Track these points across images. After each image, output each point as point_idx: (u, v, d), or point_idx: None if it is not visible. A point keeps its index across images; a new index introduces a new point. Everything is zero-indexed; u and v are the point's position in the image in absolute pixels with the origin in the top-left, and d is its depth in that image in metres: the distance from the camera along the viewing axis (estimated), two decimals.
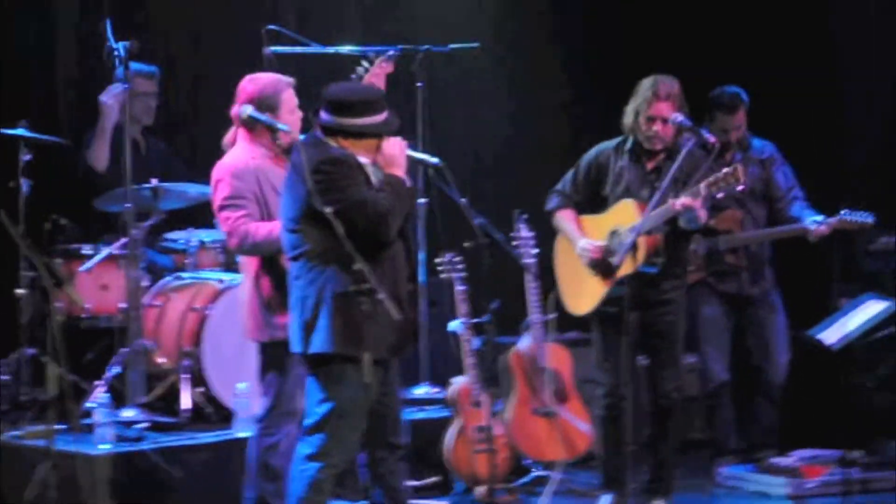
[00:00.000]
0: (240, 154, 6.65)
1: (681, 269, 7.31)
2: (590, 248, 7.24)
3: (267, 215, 6.55)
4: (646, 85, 7.23)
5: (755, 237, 8.30)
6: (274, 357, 6.56)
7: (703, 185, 6.96)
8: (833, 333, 7.36)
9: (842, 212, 8.03)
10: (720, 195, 7.03)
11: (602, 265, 7.23)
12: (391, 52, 6.92)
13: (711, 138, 7.15)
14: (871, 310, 7.35)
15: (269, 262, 6.54)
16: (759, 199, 8.33)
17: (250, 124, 6.66)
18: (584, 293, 7.34)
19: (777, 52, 9.40)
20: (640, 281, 7.06)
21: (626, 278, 7.11)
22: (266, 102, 6.67)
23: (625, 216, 7.16)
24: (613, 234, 7.21)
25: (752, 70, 8.92)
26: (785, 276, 8.53)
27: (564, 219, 7.40)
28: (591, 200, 7.38)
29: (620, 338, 7.13)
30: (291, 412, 6.56)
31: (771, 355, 8.36)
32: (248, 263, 6.65)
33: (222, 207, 6.57)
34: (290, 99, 6.75)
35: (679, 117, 7.15)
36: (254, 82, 6.78)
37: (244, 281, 6.71)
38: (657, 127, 7.18)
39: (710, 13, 9.61)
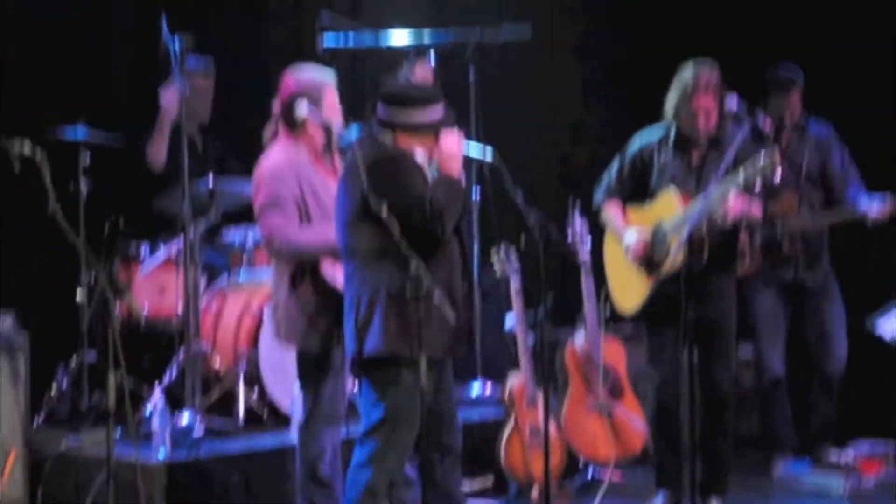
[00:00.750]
0: (280, 154, 6.59)
1: (730, 260, 7.23)
2: (634, 243, 7.20)
3: (307, 218, 6.51)
4: (686, 75, 7.12)
5: (812, 222, 8.18)
6: (312, 363, 6.56)
7: (739, 175, 6.85)
8: (891, 326, 7.31)
9: None
10: (758, 185, 6.93)
11: (647, 261, 7.19)
12: (430, 63, 6.81)
13: (766, 126, 7.07)
14: None
15: (307, 268, 6.51)
16: (816, 183, 8.23)
17: (300, 124, 6.60)
18: (631, 289, 7.31)
19: (835, 28, 9.27)
20: (689, 274, 6.95)
21: (671, 273, 7.06)
22: (309, 97, 6.61)
23: (668, 208, 7.11)
24: (657, 227, 7.15)
25: (809, 47, 8.79)
26: (843, 263, 8.43)
27: (611, 213, 7.36)
28: (638, 192, 7.32)
29: (670, 333, 7.11)
30: (333, 417, 6.57)
31: (829, 347, 8.26)
32: (283, 267, 6.58)
33: (262, 210, 6.52)
34: (332, 94, 6.69)
35: (733, 105, 7.05)
36: (296, 77, 6.71)
37: (277, 284, 6.61)
38: (700, 121, 7.09)
39: None
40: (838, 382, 8.31)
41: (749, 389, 8.67)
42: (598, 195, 7.42)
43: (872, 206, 7.88)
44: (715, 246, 7.05)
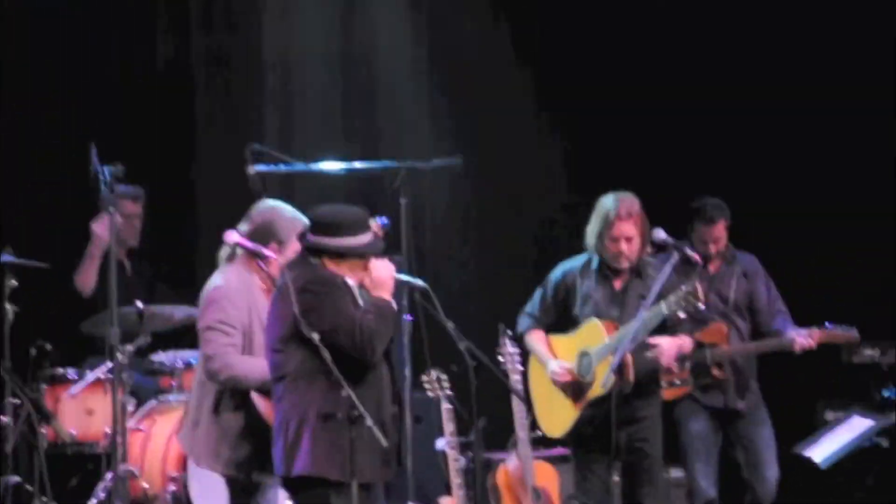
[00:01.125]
0: (235, 279, 6.56)
1: (654, 386, 7.30)
2: (560, 370, 7.25)
3: (249, 349, 6.48)
4: (606, 205, 7.24)
5: (741, 351, 8.27)
6: (239, 487, 6.51)
7: (663, 304, 6.97)
8: (821, 451, 7.37)
9: (826, 324, 8.04)
10: (682, 315, 7.02)
11: (574, 387, 7.24)
12: (383, 222, 6.80)
13: (695, 255, 7.17)
14: (857, 427, 7.35)
15: (235, 393, 6.45)
16: (744, 312, 8.33)
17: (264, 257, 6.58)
18: (557, 414, 7.35)
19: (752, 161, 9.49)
20: (614, 400, 7.05)
21: (597, 399, 7.12)
22: (274, 236, 6.57)
23: (593, 337, 7.18)
24: (583, 355, 7.22)
25: (733, 182, 8.98)
26: (770, 390, 8.49)
27: (535, 341, 7.41)
28: (560, 320, 7.39)
29: (597, 458, 7.16)
30: None
31: (759, 471, 8.30)
32: (209, 387, 6.50)
33: (210, 328, 6.48)
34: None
35: (661, 234, 7.16)
36: (278, 215, 6.65)
37: (199, 402, 6.53)
38: (623, 246, 7.19)
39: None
40: None
41: None
42: (522, 323, 7.48)
43: (800, 336, 8.00)
44: (640, 373, 7.11)
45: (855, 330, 8.05)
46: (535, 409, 7.55)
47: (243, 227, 6.64)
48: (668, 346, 7.07)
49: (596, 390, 7.13)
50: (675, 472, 8.56)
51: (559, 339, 7.36)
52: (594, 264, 7.31)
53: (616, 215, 7.17)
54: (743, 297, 8.30)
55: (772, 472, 8.27)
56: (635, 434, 7.16)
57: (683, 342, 7.17)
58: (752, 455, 8.29)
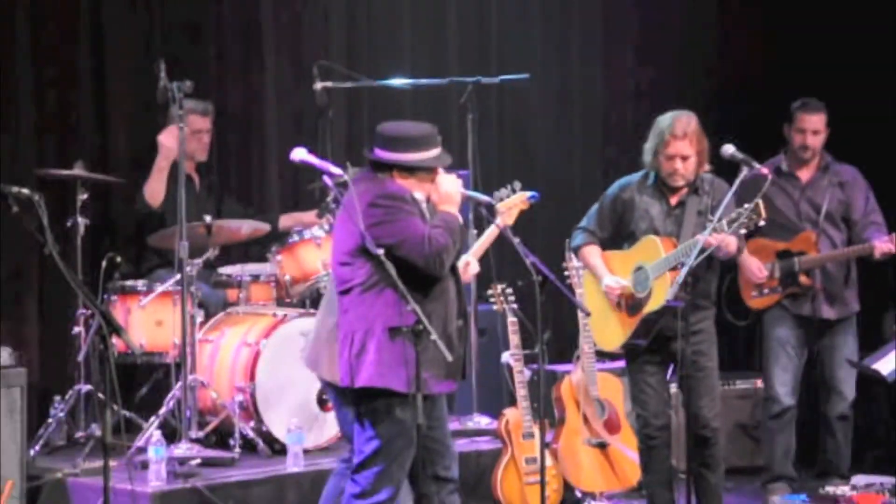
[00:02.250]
0: None
1: (708, 301, 7.29)
2: (614, 285, 7.27)
3: None
4: (663, 123, 7.23)
5: (825, 258, 8.24)
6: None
7: (725, 222, 6.97)
8: (889, 364, 7.32)
9: None
10: (742, 231, 7.02)
11: (628, 301, 7.25)
12: (534, 196, 6.76)
13: (764, 170, 7.13)
14: None
15: None
16: (837, 222, 8.30)
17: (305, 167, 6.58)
18: (611, 329, 7.37)
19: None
20: (668, 315, 7.08)
21: (653, 313, 7.13)
22: None
23: (650, 252, 7.18)
24: (639, 269, 7.22)
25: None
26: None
27: (590, 255, 7.41)
28: (617, 236, 7.39)
29: (652, 370, 7.20)
30: None
31: (836, 387, 8.29)
32: (331, 305, 6.43)
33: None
34: None
35: (730, 149, 7.13)
36: None
37: (321, 316, 6.51)
38: (678, 165, 7.19)
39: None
40: (843, 423, 8.30)
41: (745, 422, 8.68)
42: (577, 238, 7.49)
43: (879, 243, 7.96)
44: (697, 286, 7.11)
45: None
46: (589, 322, 7.56)
47: None
48: (730, 242, 7.04)
49: (651, 304, 7.14)
50: (743, 384, 8.57)
51: (615, 255, 7.37)
52: (651, 180, 7.31)
53: (671, 134, 7.17)
54: (837, 207, 8.27)
55: (847, 390, 8.25)
56: (691, 347, 7.14)
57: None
58: (828, 369, 8.31)
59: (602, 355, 8.08)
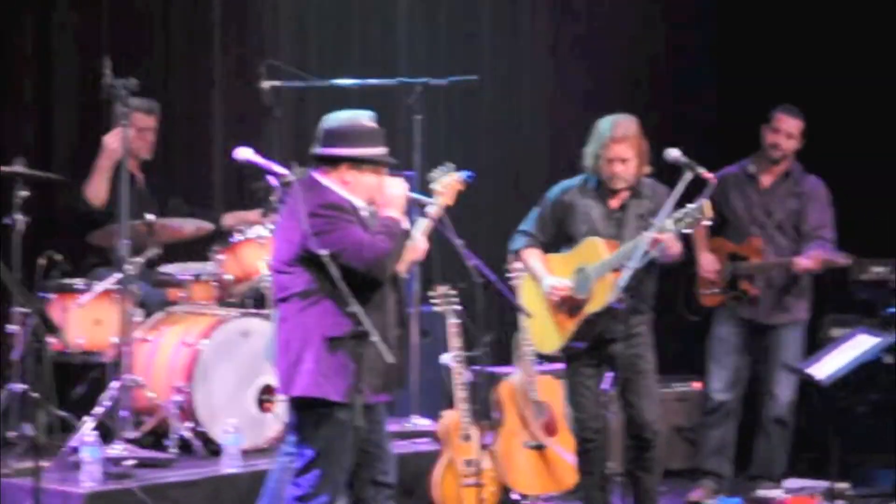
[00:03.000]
0: None
1: (646, 305, 7.31)
2: (557, 285, 7.25)
3: None
4: (602, 126, 7.27)
5: (755, 266, 8.30)
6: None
7: (669, 220, 6.96)
8: (824, 368, 7.36)
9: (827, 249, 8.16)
10: (687, 230, 7.02)
11: (569, 303, 7.23)
12: (468, 175, 6.74)
13: (708, 174, 7.14)
14: (861, 344, 7.34)
15: None
16: (787, 231, 8.33)
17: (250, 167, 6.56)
18: (550, 332, 7.37)
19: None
20: (608, 317, 7.07)
21: (593, 315, 7.12)
22: None
23: (591, 254, 7.18)
24: (580, 271, 7.22)
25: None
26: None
27: (530, 258, 7.42)
28: (557, 239, 7.39)
29: (589, 373, 7.21)
30: None
31: (774, 390, 8.34)
32: None
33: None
34: None
35: (674, 152, 7.13)
36: None
37: None
38: (617, 167, 7.20)
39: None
40: (777, 426, 8.33)
41: (681, 424, 8.73)
42: (517, 241, 7.49)
43: (801, 259, 8.01)
44: (638, 289, 7.13)
45: (849, 257, 8.15)
46: (528, 325, 7.57)
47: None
48: (675, 244, 7.09)
49: (592, 306, 7.13)
50: (680, 386, 8.61)
51: (555, 258, 7.37)
52: (591, 183, 7.32)
53: (610, 137, 7.20)
54: (789, 216, 8.32)
55: (783, 390, 8.29)
56: (629, 349, 7.18)
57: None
58: (768, 371, 8.38)
59: (541, 358, 8.06)
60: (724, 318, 8.39)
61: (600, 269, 7.13)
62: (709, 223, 7.16)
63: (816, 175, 8.42)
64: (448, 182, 6.56)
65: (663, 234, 6.95)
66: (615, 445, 7.07)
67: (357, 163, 6.11)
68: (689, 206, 6.98)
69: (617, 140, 7.18)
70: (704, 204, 6.96)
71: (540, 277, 7.34)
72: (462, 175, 6.59)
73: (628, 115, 7.30)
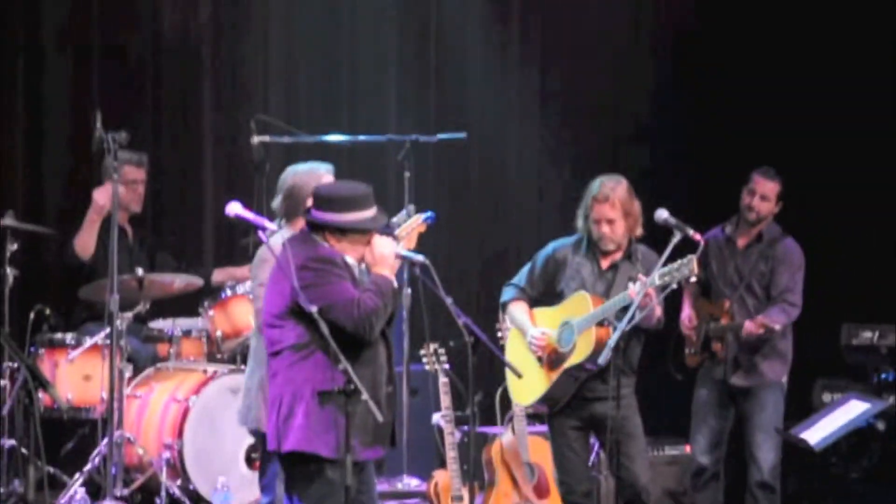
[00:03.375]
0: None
1: (629, 368, 7.27)
2: (539, 336, 7.25)
3: None
4: (591, 187, 7.25)
5: (723, 328, 8.30)
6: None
7: (656, 275, 6.98)
8: (816, 433, 7.36)
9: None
10: (674, 285, 7.03)
11: (549, 356, 7.24)
12: (429, 217, 6.75)
13: (696, 235, 7.16)
14: (853, 410, 7.35)
15: None
16: (757, 293, 8.32)
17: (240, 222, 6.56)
18: (529, 383, 7.30)
19: None
20: (593, 377, 7.06)
21: (573, 369, 7.13)
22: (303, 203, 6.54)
23: (578, 308, 7.17)
24: (565, 324, 7.21)
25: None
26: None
27: (517, 310, 7.40)
28: (545, 295, 7.39)
29: (574, 435, 7.19)
30: None
31: (756, 453, 8.31)
32: (257, 350, 6.54)
33: (263, 285, 6.36)
34: None
35: (663, 213, 7.14)
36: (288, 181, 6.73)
37: (250, 366, 6.60)
38: (604, 228, 7.21)
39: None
40: (763, 492, 8.33)
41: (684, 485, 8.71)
42: (506, 293, 7.47)
43: (748, 323, 8.05)
44: (626, 353, 7.13)
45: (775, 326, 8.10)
46: (508, 377, 7.50)
47: (276, 199, 6.61)
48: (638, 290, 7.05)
49: (573, 359, 7.12)
50: (671, 449, 8.60)
51: (543, 312, 7.35)
52: (584, 243, 7.33)
53: (594, 198, 7.19)
54: (759, 279, 8.30)
55: (765, 454, 8.27)
56: (620, 411, 7.10)
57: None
58: (748, 435, 8.34)
59: (532, 418, 8.06)
60: (703, 379, 8.40)
61: (585, 322, 7.11)
62: (695, 279, 7.14)
63: (795, 239, 8.44)
64: (410, 225, 6.56)
65: (649, 288, 6.95)
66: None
67: (341, 230, 6.10)
68: (678, 261, 6.99)
69: (600, 200, 7.17)
70: (692, 260, 6.97)
71: (524, 329, 7.34)
72: (422, 217, 6.59)
73: (617, 175, 7.30)
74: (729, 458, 8.49)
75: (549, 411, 7.23)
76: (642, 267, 7.17)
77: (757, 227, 8.36)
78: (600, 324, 7.06)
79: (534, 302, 7.41)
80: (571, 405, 7.19)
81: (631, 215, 7.20)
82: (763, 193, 8.29)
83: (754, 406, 8.30)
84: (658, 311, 7.08)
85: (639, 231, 7.26)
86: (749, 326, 8.14)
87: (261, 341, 6.50)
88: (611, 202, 7.16)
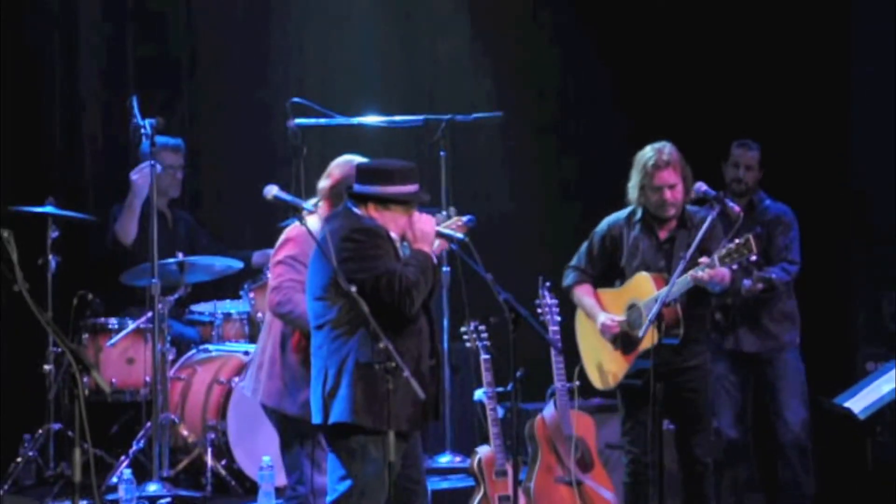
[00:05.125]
0: (317, 224, 6.48)
1: (703, 335, 7.30)
2: (610, 323, 7.26)
3: None
4: (644, 156, 7.24)
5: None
6: (299, 431, 6.51)
7: (715, 257, 6.96)
8: (860, 402, 7.33)
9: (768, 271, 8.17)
10: (735, 266, 7.02)
11: (623, 340, 7.25)
12: (470, 219, 6.74)
13: (736, 208, 7.15)
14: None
15: (302, 333, 6.48)
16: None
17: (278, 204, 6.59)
18: (607, 368, 7.36)
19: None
20: (663, 352, 7.04)
21: (648, 351, 7.11)
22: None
23: (641, 289, 7.17)
24: (632, 307, 7.22)
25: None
26: (810, 339, 8.53)
27: (583, 294, 7.40)
28: (608, 273, 7.39)
29: (645, 408, 7.13)
30: (319, 490, 6.48)
31: (781, 416, 8.34)
32: (272, 325, 6.59)
33: (281, 263, 6.50)
34: None
35: (703, 187, 7.15)
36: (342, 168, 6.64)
37: (262, 341, 6.63)
38: (667, 194, 7.19)
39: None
40: (795, 449, 8.33)
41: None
42: (568, 277, 7.47)
43: (745, 281, 8.01)
44: (687, 322, 7.12)
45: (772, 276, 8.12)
46: (583, 362, 7.53)
47: (323, 181, 6.62)
48: (725, 272, 7.03)
49: (645, 343, 7.10)
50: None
51: (607, 293, 7.36)
52: (638, 215, 7.30)
53: (654, 164, 7.17)
54: (757, 243, 8.28)
55: (794, 414, 8.28)
56: (685, 384, 7.18)
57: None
58: (773, 401, 8.36)
59: (574, 393, 8.06)
60: (715, 354, 8.35)
61: (650, 304, 7.10)
62: (755, 258, 7.12)
63: (823, 208, 8.45)
64: (449, 225, 6.56)
65: (712, 269, 6.95)
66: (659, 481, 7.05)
67: (383, 202, 6.12)
68: (736, 240, 6.98)
69: (661, 167, 7.15)
70: (749, 238, 6.96)
71: (594, 315, 7.32)
72: (463, 219, 6.58)
73: (662, 141, 7.29)
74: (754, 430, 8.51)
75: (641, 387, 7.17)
76: (696, 232, 7.12)
77: (745, 198, 8.38)
78: (667, 305, 7.02)
79: (596, 281, 7.41)
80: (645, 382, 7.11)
81: (687, 177, 7.20)
82: (747, 164, 8.40)
83: (774, 373, 8.34)
84: (727, 278, 7.03)
85: (690, 196, 7.24)
86: (748, 283, 8.07)
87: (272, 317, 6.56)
88: (673, 166, 7.16)
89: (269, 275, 6.65)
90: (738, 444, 8.40)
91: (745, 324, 8.34)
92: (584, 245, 7.45)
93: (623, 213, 7.37)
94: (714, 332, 8.28)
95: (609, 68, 10.08)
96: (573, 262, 7.46)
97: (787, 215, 8.45)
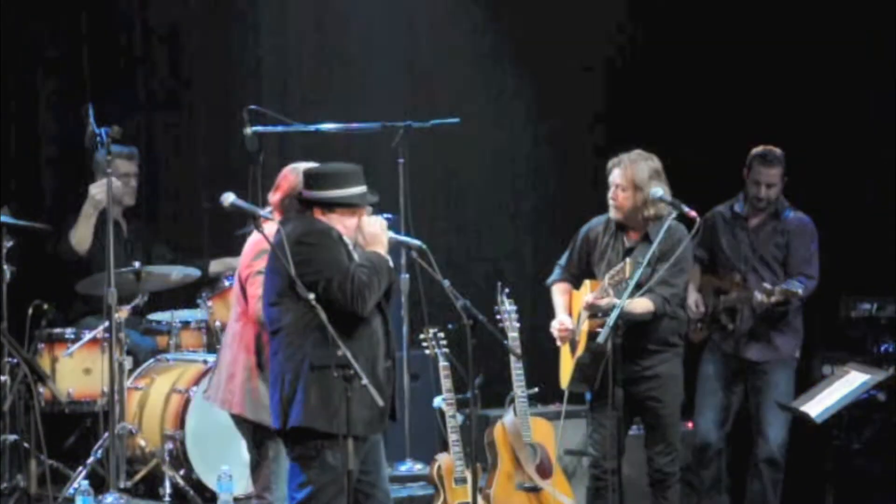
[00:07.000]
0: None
1: (659, 344, 7.31)
2: (556, 325, 7.37)
3: None
4: (611, 161, 7.32)
5: (733, 300, 8.30)
6: (274, 440, 6.48)
7: (606, 278, 7.07)
8: (817, 406, 7.36)
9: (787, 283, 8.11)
10: (619, 287, 7.06)
11: (571, 342, 7.33)
12: (389, 218, 6.67)
13: (692, 213, 7.16)
14: (853, 382, 7.35)
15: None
16: (773, 267, 8.30)
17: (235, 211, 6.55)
18: (564, 367, 7.47)
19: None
20: (622, 357, 7.05)
21: (585, 358, 7.22)
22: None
23: (585, 295, 7.28)
24: (581, 311, 7.26)
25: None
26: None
27: (557, 292, 7.54)
28: (587, 274, 7.44)
29: (608, 413, 7.16)
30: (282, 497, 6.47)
31: (763, 429, 8.29)
32: (242, 335, 6.56)
33: (261, 273, 6.37)
34: None
35: (658, 191, 7.18)
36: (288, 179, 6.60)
37: (232, 350, 6.58)
38: (618, 194, 7.25)
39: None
40: (769, 467, 8.32)
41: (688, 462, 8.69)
42: (553, 273, 7.60)
43: (757, 293, 8.03)
44: (645, 332, 7.17)
45: (798, 291, 8.06)
46: (560, 360, 7.59)
47: (272, 195, 6.59)
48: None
49: (579, 349, 7.26)
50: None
51: (577, 295, 7.45)
52: (612, 222, 7.38)
53: (608, 170, 7.29)
54: (775, 253, 8.29)
55: (774, 432, 8.25)
56: (646, 392, 7.23)
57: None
58: (758, 411, 8.32)
59: (534, 399, 8.07)
60: (711, 353, 8.39)
61: (582, 311, 7.24)
62: (625, 284, 7.13)
63: (803, 211, 8.44)
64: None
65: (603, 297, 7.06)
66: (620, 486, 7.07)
67: (328, 205, 6.12)
68: (616, 267, 7.07)
69: (609, 170, 7.27)
70: (626, 264, 7.01)
71: (556, 314, 7.43)
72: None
73: (626, 157, 7.29)
74: (732, 434, 8.49)
75: (591, 393, 7.30)
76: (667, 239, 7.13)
77: (768, 208, 8.35)
78: (593, 315, 7.12)
79: (578, 279, 7.46)
80: (605, 387, 7.12)
81: (642, 185, 7.21)
82: (768, 183, 8.29)
83: (767, 382, 8.29)
84: (637, 308, 7.09)
85: (651, 211, 7.24)
86: (759, 296, 8.09)
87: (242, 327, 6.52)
88: (625, 183, 7.22)
89: (247, 285, 6.56)
90: (713, 447, 8.37)
91: (751, 332, 8.32)
92: (571, 244, 7.56)
93: (602, 218, 7.45)
94: (716, 333, 8.30)
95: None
96: (560, 260, 7.59)
97: (807, 227, 8.36)
